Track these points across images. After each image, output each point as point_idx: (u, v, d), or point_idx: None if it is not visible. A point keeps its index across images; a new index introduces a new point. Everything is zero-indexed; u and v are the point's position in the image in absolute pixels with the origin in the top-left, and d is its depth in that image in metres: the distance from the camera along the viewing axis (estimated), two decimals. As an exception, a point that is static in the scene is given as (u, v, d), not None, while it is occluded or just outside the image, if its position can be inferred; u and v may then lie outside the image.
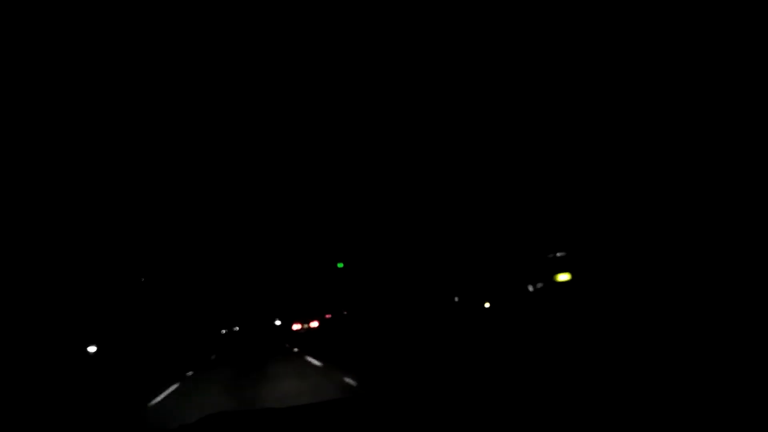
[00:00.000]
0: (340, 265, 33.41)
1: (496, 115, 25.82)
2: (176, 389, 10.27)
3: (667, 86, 18.25)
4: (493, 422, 1.65)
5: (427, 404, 2.01)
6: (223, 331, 46.88)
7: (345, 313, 36.01)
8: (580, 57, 21.08)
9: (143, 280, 34.36)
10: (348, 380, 7.99)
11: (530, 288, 24.77)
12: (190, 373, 13.36)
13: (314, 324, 34.39)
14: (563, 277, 21.90)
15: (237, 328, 45.77)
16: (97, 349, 22.88)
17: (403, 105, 25.71)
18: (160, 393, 9.70)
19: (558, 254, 24.50)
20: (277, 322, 42.15)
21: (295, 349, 18.10)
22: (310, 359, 12.83)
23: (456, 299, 28.47)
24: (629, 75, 19.53)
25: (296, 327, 34.67)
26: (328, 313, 36.32)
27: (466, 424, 1.65)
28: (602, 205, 21.59)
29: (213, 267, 47.98)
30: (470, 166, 27.79)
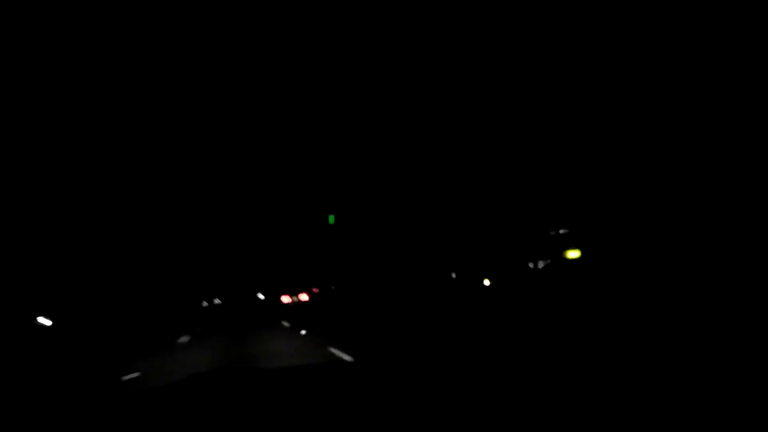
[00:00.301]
0: (332, 219, 31.60)
1: (497, 87, 24.96)
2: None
3: (665, 67, 17.70)
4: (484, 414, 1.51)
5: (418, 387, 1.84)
6: (205, 304, 45.03)
7: (332, 288, 35.05)
8: (585, 40, 20.36)
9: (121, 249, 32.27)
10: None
11: (531, 265, 24.20)
12: (133, 376, 8.09)
13: (304, 297, 33.33)
14: (573, 254, 21.17)
15: (218, 301, 43.80)
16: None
17: (407, 69, 24.47)
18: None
19: (561, 231, 23.93)
20: (260, 296, 40.73)
21: (303, 332, 13.57)
22: (337, 353, 8.91)
23: (453, 275, 27.78)
24: (627, 57, 18.91)
25: (286, 300, 33.74)
26: (315, 287, 35.28)
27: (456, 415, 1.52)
28: (607, 181, 20.99)
29: (188, 230, 45.34)
30: (470, 139, 26.88)
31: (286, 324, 17.54)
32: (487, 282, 24.59)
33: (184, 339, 14.66)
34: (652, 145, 18.68)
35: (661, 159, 18.20)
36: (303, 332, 13.80)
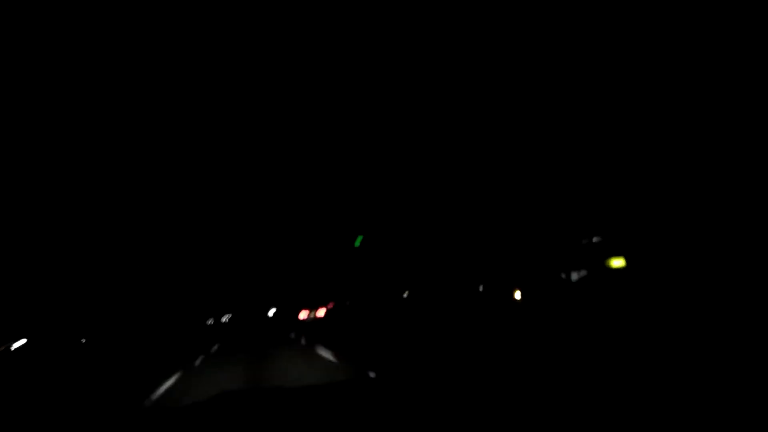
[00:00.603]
0: (359, 241, 30.55)
1: (518, 91, 24.08)
2: None
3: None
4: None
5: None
6: (210, 322, 43.51)
7: (347, 303, 33.82)
8: (619, 37, 19.52)
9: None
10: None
11: (563, 276, 23.08)
12: None
13: (320, 313, 32.34)
14: (617, 262, 19.95)
15: (227, 318, 42.21)
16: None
17: (425, 83, 23.55)
18: None
19: (594, 239, 22.84)
20: (270, 313, 39.37)
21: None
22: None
23: (480, 288, 26.60)
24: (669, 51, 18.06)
25: (303, 316, 33.09)
26: (330, 302, 34.10)
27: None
28: (643, 183, 19.97)
29: (196, 242, 43.74)
30: (496, 147, 25.90)
31: (324, 354, 12.02)
32: (517, 295, 23.47)
33: (173, 379, 10.37)
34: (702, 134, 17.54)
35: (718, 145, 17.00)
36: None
